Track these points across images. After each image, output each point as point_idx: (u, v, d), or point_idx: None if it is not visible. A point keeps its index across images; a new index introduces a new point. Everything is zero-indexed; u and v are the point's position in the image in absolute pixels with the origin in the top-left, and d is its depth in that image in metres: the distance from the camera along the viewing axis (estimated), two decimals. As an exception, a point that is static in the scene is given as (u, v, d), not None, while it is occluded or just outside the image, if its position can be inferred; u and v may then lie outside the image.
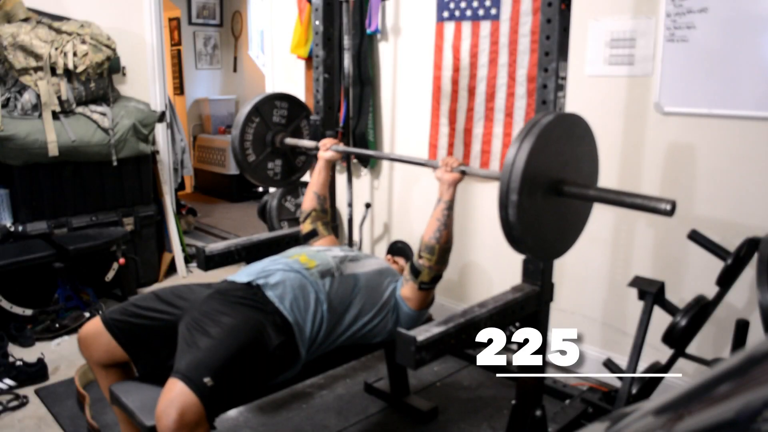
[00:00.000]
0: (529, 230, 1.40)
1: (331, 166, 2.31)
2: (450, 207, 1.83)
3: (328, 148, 2.23)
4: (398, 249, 2.40)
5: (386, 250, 2.46)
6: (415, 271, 1.87)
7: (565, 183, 1.46)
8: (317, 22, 2.48)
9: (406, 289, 1.91)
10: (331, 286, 1.82)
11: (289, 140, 2.39)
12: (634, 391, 1.88)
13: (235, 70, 6.56)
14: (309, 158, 2.51)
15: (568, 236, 1.60)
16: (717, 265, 1.87)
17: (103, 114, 3.31)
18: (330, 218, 2.29)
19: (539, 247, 1.48)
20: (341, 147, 2.24)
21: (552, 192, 1.46)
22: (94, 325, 1.77)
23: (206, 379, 1.47)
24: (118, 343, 1.74)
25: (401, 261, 2.27)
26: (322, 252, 1.96)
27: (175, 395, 1.44)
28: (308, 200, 2.25)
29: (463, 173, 1.82)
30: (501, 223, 1.40)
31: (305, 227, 2.23)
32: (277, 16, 3.77)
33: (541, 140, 1.38)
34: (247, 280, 1.79)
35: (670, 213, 1.32)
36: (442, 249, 1.84)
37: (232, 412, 2.30)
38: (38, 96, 3.12)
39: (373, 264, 1.99)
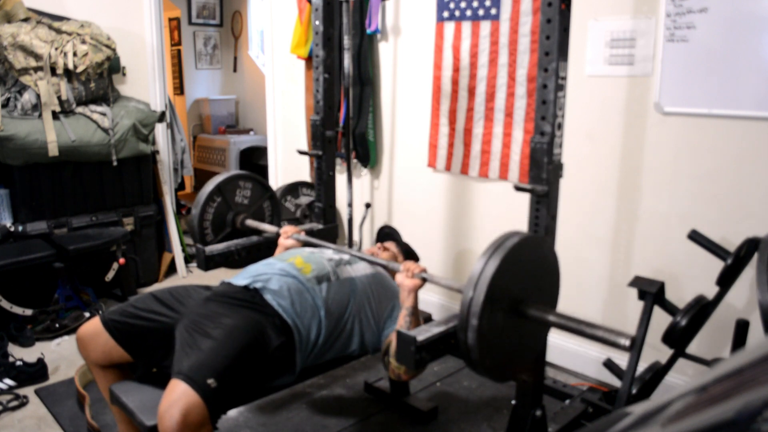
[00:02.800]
0: (487, 353, 1.37)
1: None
2: (412, 313, 1.76)
3: (289, 236, 2.18)
4: (386, 234, 2.36)
5: (375, 237, 2.43)
6: (386, 365, 1.82)
7: (527, 305, 1.44)
8: (317, 22, 2.48)
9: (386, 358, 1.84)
10: (328, 291, 1.82)
11: (250, 222, 2.33)
12: (634, 391, 1.88)
13: (235, 70, 6.55)
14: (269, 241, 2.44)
15: (524, 357, 1.57)
16: (717, 265, 1.87)
17: (103, 114, 3.31)
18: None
19: (495, 368, 1.44)
20: (302, 236, 2.18)
21: (513, 313, 1.43)
22: (93, 326, 1.78)
23: (210, 381, 1.47)
24: (117, 343, 1.75)
25: (391, 246, 2.22)
26: (317, 254, 1.95)
27: (179, 396, 1.44)
28: None
29: (424, 280, 1.76)
30: (459, 343, 1.38)
31: None
32: (277, 16, 3.77)
33: (509, 258, 1.36)
34: (244, 283, 1.79)
35: (628, 349, 1.30)
36: None
37: (232, 412, 2.30)
38: (38, 96, 3.12)
39: (367, 267, 1.98)
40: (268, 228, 2.31)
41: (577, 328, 1.39)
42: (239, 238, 2.35)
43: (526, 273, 1.45)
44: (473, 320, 1.32)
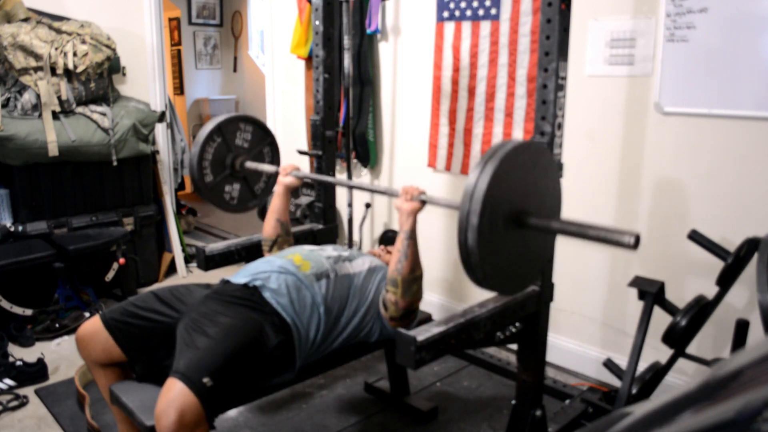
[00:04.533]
0: (488, 258, 1.32)
1: (291, 193, 2.23)
2: (410, 237, 1.75)
3: (288, 173, 2.18)
4: (389, 238, 2.37)
5: (378, 240, 2.44)
6: (384, 306, 1.84)
7: (528, 214, 1.40)
8: (317, 22, 2.48)
9: (383, 312, 1.86)
10: (327, 288, 1.82)
11: (250, 164, 2.31)
12: (634, 391, 1.88)
13: (235, 70, 6.56)
14: (268, 185, 2.44)
15: (527, 272, 1.53)
16: (717, 265, 1.87)
17: (103, 114, 3.31)
18: (293, 239, 2.23)
19: (497, 278, 1.39)
20: (301, 173, 2.18)
21: (513, 223, 1.38)
22: (93, 325, 1.77)
23: (205, 380, 1.47)
24: (117, 343, 1.75)
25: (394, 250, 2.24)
26: (315, 252, 1.95)
27: (175, 395, 1.44)
28: (270, 227, 2.17)
29: (423, 202, 1.75)
30: (459, 248, 1.32)
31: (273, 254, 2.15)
32: (277, 16, 3.77)
33: (504, 166, 1.31)
34: (244, 281, 1.79)
35: (633, 246, 1.26)
36: (406, 280, 1.77)
37: (232, 412, 2.31)
38: (38, 96, 3.12)
39: (366, 262, 1.98)
40: (267, 168, 2.29)
41: (580, 231, 1.35)
42: (238, 181, 2.34)
43: (525, 181, 1.41)
44: (473, 218, 1.28)
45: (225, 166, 2.30)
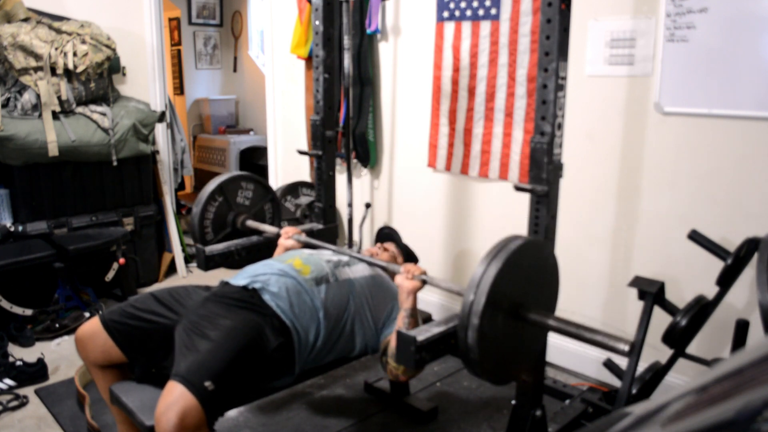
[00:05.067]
0: (486, 354, 1.37)
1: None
2: (411, 315, 1.75)
3: (289, 237, 2.18)
4: (386, 235, 2.36)
5: (375, 237, 2.43)
6: (384, 369, 1.83)
7: (527, 309, 1.44)
8: (317, 22, 2.48)
9: (383, 369, 1.85)
10: (327, 293, 1.82)
11: (251, 223, 2.33)
12: (634, 391, 1.88)
13: (235, 70, 6.55)
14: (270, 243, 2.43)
15: (523, 360, 1.56)
16: (717, 265, 1.87)
17: (103, 114, 3.31)
18: None
19: (493, 371, 1.43)
20: (303, 237, 2.17)
21: (513, 316, 1.43)
22: (92, 326, 1.77)
23: (207, 383, 1.47)
24: (116, 344, 1.75)
25: (391, 247, 2.22)
26: (315, 256, 1.95)
27: (176, 399, 1.43)
28: None
29: (424, 282, 1.76)
30: (458, 342, 1.37)
31: None
32: (277, 16, 3.77)
33: (509, 262, 1.36)
34: (243, 284, 1.79)
35: (627, 354, 1.30)
36: None
37: (232, 413, 2.30)
38: (38, 96, 3.12)
39: (365, 268, 1.98)
40: (269, 229, 2.31)
41: (576, 332, 1.39)
42: (239, 239, 2.35)
43: (526, 277, 1.45)
44: (474, 320, 1.32)
45: (226, 224, 2.34)
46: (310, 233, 2.50)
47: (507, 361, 1.48)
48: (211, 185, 2.30)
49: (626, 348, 1.29)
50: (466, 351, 1.36)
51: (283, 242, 2.18)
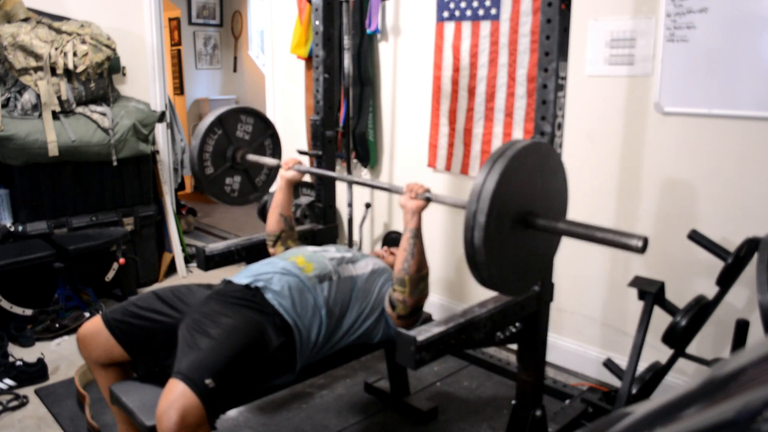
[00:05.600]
0: (493, 258, 1.31)
1: (293, 187, 2.20)
2: (416, 235, 1.74)
3: (290, 167, 2.15)
4: (393, 239, 2.36)
5: (381, 242, 2.44)
6: (392, 304, 1.83)
7: (535, 215, 1.39)
8: (317, 22, 2.48)
9: (389, 311, 1.85)
10: (330, 291, 1.81)
11: (251, 157, 2.29)
12: (634, 391, 1.88)
13: (235, 70, 6.56)
14: (269, 178, 2.42)
15: (532, 272, 1.52)
16: (717, 265, 1.87)
17: (103, 114, 3.31)
18: (296, 235, 2.22)
19: (501, 278, 1.38)
20: (304, 167, 2.16)
21: (520, 223, 1.38)
22: (94, 325, 1.77)
23: (208, 381, 1.47)
24: (118, 342, 1.75)
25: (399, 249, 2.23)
26: (318, 253, 1.95)
27: (177, 396, 1.44)
28: (274, 222, 2.15)
29: (428, 200, 1.73)
30: (465, 246, 1.31)
31: (277, 250, 2.15)
32: (277, 16, 3.77)
33: (512, 166, 1.31)
34: (245, 282, 1.79)
35: (641, 250, 1.25)
36: (413, 279, 1.76)
37: (232, 412, 2.31)
38: (38, 96, 3.12)
39: (369, 264, 1.98)
40: (269, 161, 2.26)
41: (587, 233, 1.33)
42: (239, 174, 2.32)
43: (531, 181, 1.40)
44: (480, 217, 1.27)
45: (226, 158, 2.29)
46: (309, 233, 2.51)
47: (516, 269, 1.42)
48: (210, 117, 2.22)
49: (639, 243, 1.24)
50: (473, 253, 1.30)
51: (283, 173, 2.16)
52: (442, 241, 3.08)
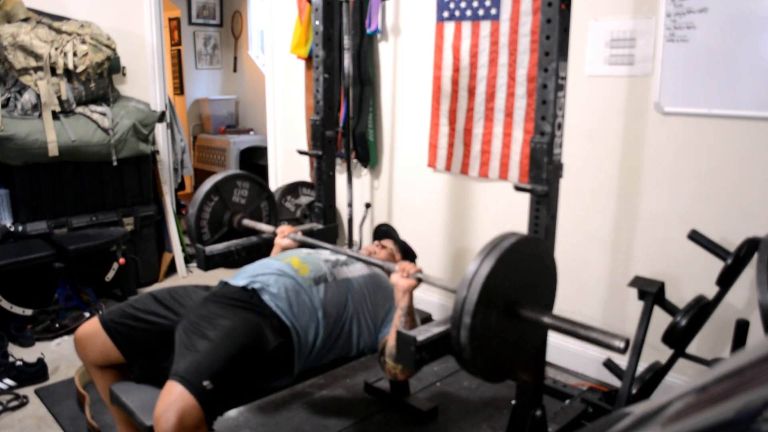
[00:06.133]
0: (479, 353, 1.35)
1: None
2: (408, 313, 1.74)
3: (285, 236, 2.17)
4: (383, 232, 2.35)
5: (372, 236, 2.43)
6: (382, 367, 1.83)
7: (522, 306, 1.42)
8: (317, 22, 2.48)
9: (381, 368, 1.86)
10: (326, 292, 1.81)
11: (247, 222, 2.32)
12: (634, 391, 1.88)
13: (235, 70, 6.55)
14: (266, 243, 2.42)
15: (518, 358, 1.55)
16: (717, 265, 1.87)
17: (103, 114, 3.31)
18: None
19: (488, 369, 1.42)
20: (299, 236, 2.17)
21: (507, 314, 1.42)
22: (91, 326, 1.77)
23: (205, 383, 1.47)
24: (115, 345, 1.74)
25: (389, 244, 2.22)
26: (313, 255, 1.95)
27: (175, 398, 1.43)
28: None
29: (419, 280, 1.74)
30: (451, 341, 1.36)
31: None
32: (277, 16, 3.77)
33: (504, 259, 1.34)
34: (242, 284, 1.79)
35: (623, 351, 1.28)
36: None
37: (232, 413, 2.31)
38: (38, 96, 3.12)
39: (363, 267, 1.98)
40: (265, 228, 2.30)
41: (571, 330, 1.38)
42: (237, 238, 2.35)
43: (521, 274, 1.44)
44: (466, 319, 1.31)
45: (222, 224, 2.33)
46: (309, 233, 2.51)
47: (502, 359, 1.47)
48: (207, 185, 2.29)
49: (621, 345, 1.28)
50: (459, 350, 1.35)
51: (279, 241, 2.18)
52: (442, 242, 3.08)
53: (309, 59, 3.49)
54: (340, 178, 3.10)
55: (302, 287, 1.79)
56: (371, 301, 1.90)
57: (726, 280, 1.87)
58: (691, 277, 2.24)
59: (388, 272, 1.84)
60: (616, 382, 2.11)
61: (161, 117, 3.67)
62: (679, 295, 2.16)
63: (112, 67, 3.44)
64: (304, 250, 2.02)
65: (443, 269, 3.09)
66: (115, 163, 3.37)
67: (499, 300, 1.38)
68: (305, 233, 2.47)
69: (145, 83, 3.82)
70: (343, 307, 1.84)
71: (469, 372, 1.40)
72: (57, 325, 3.02)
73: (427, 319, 2.47)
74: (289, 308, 1.73)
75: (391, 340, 1.76)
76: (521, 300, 1.43)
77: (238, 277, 1.84)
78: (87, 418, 2.23)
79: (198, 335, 1.59)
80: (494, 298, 1.36)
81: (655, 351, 2.18)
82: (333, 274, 1.87)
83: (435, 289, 3.11)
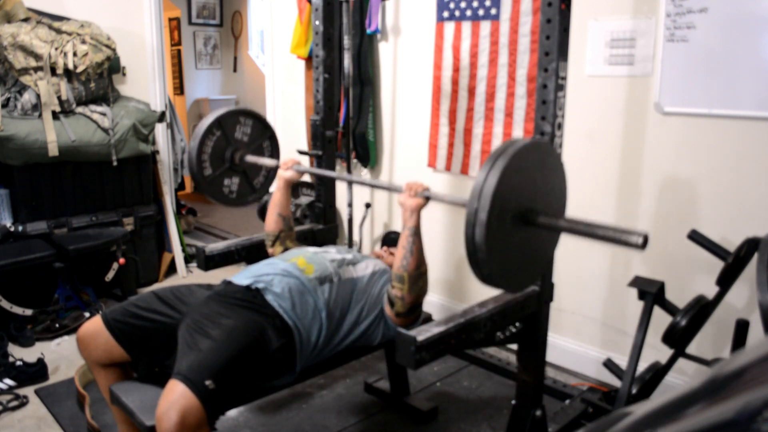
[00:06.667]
0: (494, 255, 1.32)
1: (292, 187, 2.20)
2: (415, 233, 1.73)
3: (289, 167, 2.15)
4: (392, 240, 2.34)
5: (381, 242, 2.44)
6: (390, 302, 1.82)
7: (536, 212, 1.40)
8: (317, 22, 2.48)
9: (388, 310, 1.85)
10: (330, 293, 1.81)
11: (249, 158, 2.29)
12: (634, 391, 1.88)
13: (235, 70, 6.56)
14: (267, 180, 2.42)
15: (532, 269, 1.52)
16: (717, 265, 1.87)
17: (103, 114, 3.31)
18: (294, 235, 2.22)
19: (502, 275, 1.39)
20: (303, 167, 2.16)
21: (521, 220, 1.38)
22: (94, 325, 1.77)
23: (208, 382, 1.47)
24: (118, 343, 1.74)
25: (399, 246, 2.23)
26: (319, 255, 1.95)
27: (177, 398, 1.43)
28: (272, 222, 2.15)
29: (428, 198, 1.73)
30: (466, 243, 1.31)
31: (276, 250, 2.15)
32: (277, 16, 3.77)
33: (513, 164, 1.32)
34: (246, 283, 1.79)
35: (641, 246, 1.25)
36: (412, 276, 1.75)
37: (232, 412, 2.31)
38: (38, 96, 3.12)
39: (369, 266, 1.97)
40: (268, 161, 2.26)
41: (587, 230, 1.34)
42: (237, 175, 2.32)
43: (531, 180, 1.40)
44: (482, 215, 1.27)
45: (224, 159, 2.28)
46: (309, 233, 2.51)
47: (516, 266, 1.43)
48: (209, 119, 2.22)
49: (639, 240, 1.25)
50: (474, 250, 1.30)
51: (282, 173, 2.16)
52: (442, 241, 3.08)
53: (309, 59, 3.49)
54: (340, 178, 3.10)
55: (307, 287, 1.79)
56: (377, 299, 1.90)
57: (726, 280, 1.87)
58: (691, 277, 2.24)
59: (396, 191, 1.81)
60: (616, 382, 2.12)
61: (161, 117, 3.67)
62: (679, 295, 2.16)
63: (112, 67, 3.44)
64: (310, 250, 2.02)
65: (443, 269, 3.09)
66: (115, 163, 3.37)
67: (512, 205, 1.35)
68: (305, 234, 2.48)
69: (145, 83, 3.82)
70: (348, 307, 1.84)
71: (483, 278, 1.35)
72: (57, 325, 3.02)
73: (427, 319, 2.46)
74: (292, 308, 1.73)
75: (396, 261, 1.75)
76: (534, 206, 1.39)
77: (242, 276, 1.84)
78: (87, 418, 2.23)
79: (201, 334, 1.59)
80: (507, 203, 1.33)
81: (655, 351, 2.18)
82: (339, 273, 1.87)
83: (435, 288, 3.11)
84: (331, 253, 1.99)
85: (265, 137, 2.38)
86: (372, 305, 1.89)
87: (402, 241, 1.75)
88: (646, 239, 1.26)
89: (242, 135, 2.32)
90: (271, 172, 2.37)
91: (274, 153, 2.43)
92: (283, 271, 1.81)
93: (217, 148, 2.25)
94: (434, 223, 3.09)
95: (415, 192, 1.73)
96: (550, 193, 1.47)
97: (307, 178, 3.67)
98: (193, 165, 2.21)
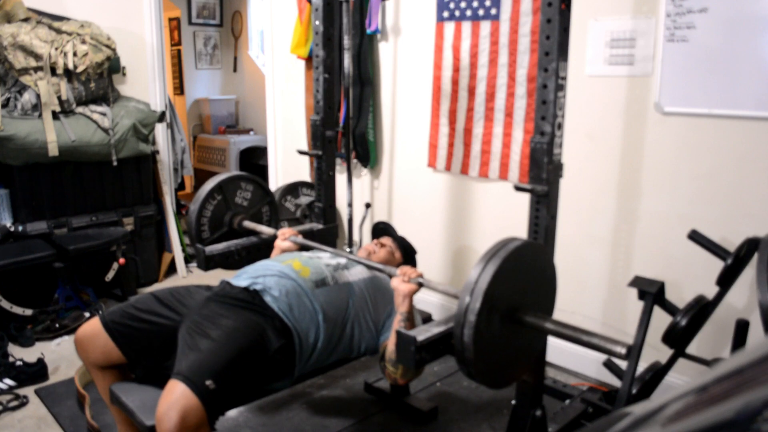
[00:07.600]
0: (481, 355, 1.35)
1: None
2: (408, 318, 1.74)
3: (286, 238, 2.16)
4: (381, 230, 2.34)
5: (371, 234, 2.43)
6: (383, 372, 1.84)
7: (524, 311, 1.42)
8: (317, 22, 2.48)
9: (382, 373, 1.87)
10: (326, 296, 1.81)
11: (248, 224, 2.32)
12: (634, 391, 1.88)
13: (235, 70, 6.55)
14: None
15: (517, 366, 1.55)
16: (717, 265, 1.87)
17: (103, 114, 3.31)
18: None
19: (489, 373, 1.42)
20: (299, 239, 2.16)
21: (509, 319, 1.41)
22: (92, 327, 1.77)
23: (208, 382, 1.47)
24: (117, 345, 1.74)
25: (387, 242, 2.22)
26: (314, 259, 1.95)
27: (177, 398, 1.43)
28: None
29: (420, 285, 1.74)
30: (454, 341, 1.35)
31: None
32: (277, 16, 3.77)
33: (507, 264, 1.35)
34: (245, 285, 1.79)
35: (624, 357, 1.29)
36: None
37: (232, 412, 2.30)
38: (38, 96, 3.12)
39: (364, 270, 1.97)
40: (266, 230, 2.30)
41: (573, 335, 1.38)
42: (236, 239, 2.34)
43: (522, 279, 1.45)
44: (471, 317, 1.31)
45: (223, 223, 2.33)
46: (309, 233, 2.51)
47: (503, 363, 1.46)
48: (210, 183, 2.29)
49: (623, 351, 1.29)
50: (462, 350, 1.34)
51: (279, 244, 2.17)
52: (442, 242, 3.08)
53: (309, 59, 3.49)
54: (340, 178, 3.10)
55: (303, 290, 1.79)
56: (372, 304, 1.90)
57: (726, 280, 1.86)
58: (691, 277, 2.24)
59: (390, 275, 1.84)
60: (616, 382, 2.11)
61: (161, 117, 3.66)
62: (679, 295, 2.16)
63: (112, 67, 3.44)
64: (306, 253, 2.02)
65: (443, 269, 3.09)
66: (115, 163, 3.37)
67: (502, 305, 1.38)
68: (305, 234, 2.48)
69: (145, 83, 3.82)
70: (344, 311, 1.84)
71: (470, 376, 1.39)
72: (57, 325, 3.02)
73: (427, 319, 2.47)
74: (289, 310, 1.73)
75: (390, 345, 1.76)
76: (523, 305, 1.43)
77: (240, 278, 1.84)
78: (87, 418, 2.23)
79: (201, 335, 1.59)
80: (497, 303, 1.36)
81: (655, 351, 2.17)
82: (334, 277, 1.87)
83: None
84: (324, 257, 1.99)
85: (264, 202, 2.44)
86: (369, 311, 1.89)
87: (395, 325, 1.76)
88: (629, 350, 1.31)
89: (242, 200, 2.38)
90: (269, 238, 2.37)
91: (273, 218, 2.47)
92: (279, 273, 1.81)
93: (217, 212, 2.32)
94: (434, 224, 3.09)
95: (408, 277, 1.74)
96: (538, 292, 1.51)
97: (307, 177, 3.67)
98: (192, 228, 2.27)
